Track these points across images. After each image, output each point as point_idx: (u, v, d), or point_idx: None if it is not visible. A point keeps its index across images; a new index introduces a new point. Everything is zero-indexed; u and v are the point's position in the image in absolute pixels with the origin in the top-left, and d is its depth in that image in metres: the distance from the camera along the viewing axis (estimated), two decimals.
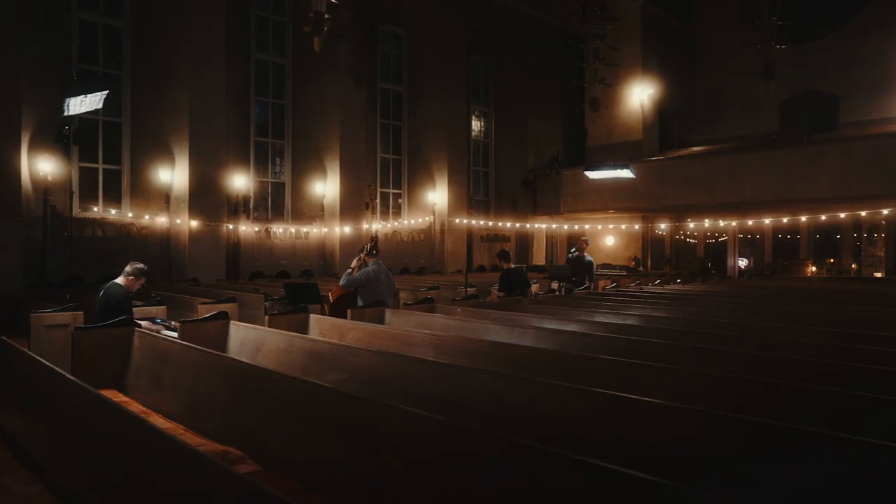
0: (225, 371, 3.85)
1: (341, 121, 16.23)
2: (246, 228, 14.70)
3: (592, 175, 11.39)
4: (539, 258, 22.45)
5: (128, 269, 6.01)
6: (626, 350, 4.36)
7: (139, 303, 6.98)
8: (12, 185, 11.17)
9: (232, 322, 5.67)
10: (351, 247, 16.36)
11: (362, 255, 7.22)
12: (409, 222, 18.86)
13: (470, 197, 20.95)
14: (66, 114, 5.92)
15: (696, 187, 17.13)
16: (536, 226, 21.82)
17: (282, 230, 15.49)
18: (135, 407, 4.29)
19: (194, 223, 13.36)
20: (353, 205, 16.54)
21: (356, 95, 16.62)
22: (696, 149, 20.47)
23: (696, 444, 2.52)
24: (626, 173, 10.77)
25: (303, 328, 6.20)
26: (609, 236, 21.26)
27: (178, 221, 13.35)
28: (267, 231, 15.19)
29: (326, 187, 16.35)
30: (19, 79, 11.32)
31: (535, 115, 22.27)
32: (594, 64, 14.55)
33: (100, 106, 5.96)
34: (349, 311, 6.65)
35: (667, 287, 11.29)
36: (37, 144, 11.87)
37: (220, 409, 3.76)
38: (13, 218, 11.18)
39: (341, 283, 7.04)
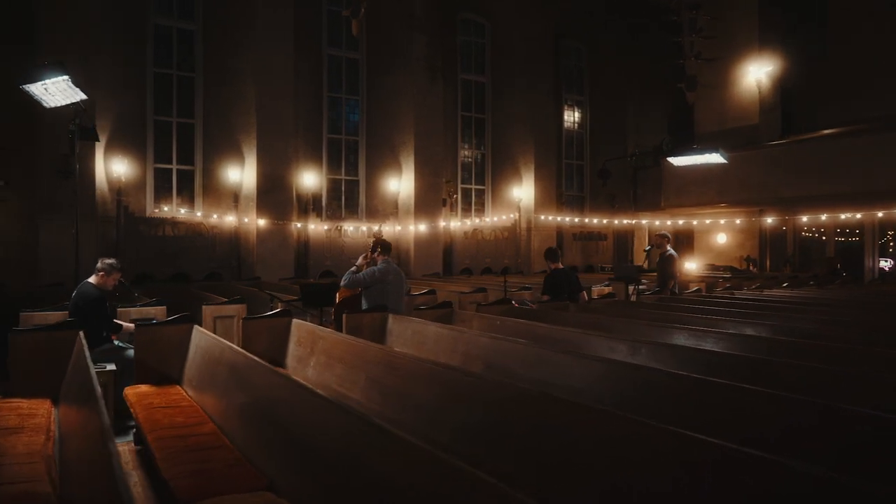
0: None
1: (416, 114, 15.59)
2: (315, 227, 14.49)
3: (677, 162, 9.82)
4: (640, 258, 20.48)
5: (98, 265, 5.66)
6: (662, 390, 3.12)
7: (121, 302, 6.68)
8: (87, 187, 11.62)
9: (196, 328, 5.08)
10: (426, 246, 15.74)
11: (370, 253, 6.42)
12: (493, 219, 17.86)
13: (561, 192, 19.56)
14: (48, 105, 5.61)
15: (823, 175, 14.56)
16: (644, 222, 19.89)
17: (352, 228, 15.13)
18: None
19: (262, 222, 13.31)
20: (428, 202, 15.85)
21: (431, 88, 15.91)
22: (827, 131, 17.58)
23: None
24: (715, 158, 9.10)
25: (282, 334, 5.51)
26: (720, 234, 18.88)
27: (246, 220, 13.36)
28: (338, 229, 14.89)
29: (401, 184, 15.79)
30: (95, 84, 11.79)
31: (635, 101, 20.37)
32: (689, 37, 12.68)
33: (81, 94, 5.59)
34: (344, 317, 5.87)
35: (767, 292, 9.42)
36: (112, 146, 12.34)
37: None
38: (88, 218, 11.63)
39: (342, 282, 6.28)
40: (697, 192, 17.11)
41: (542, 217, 17.84)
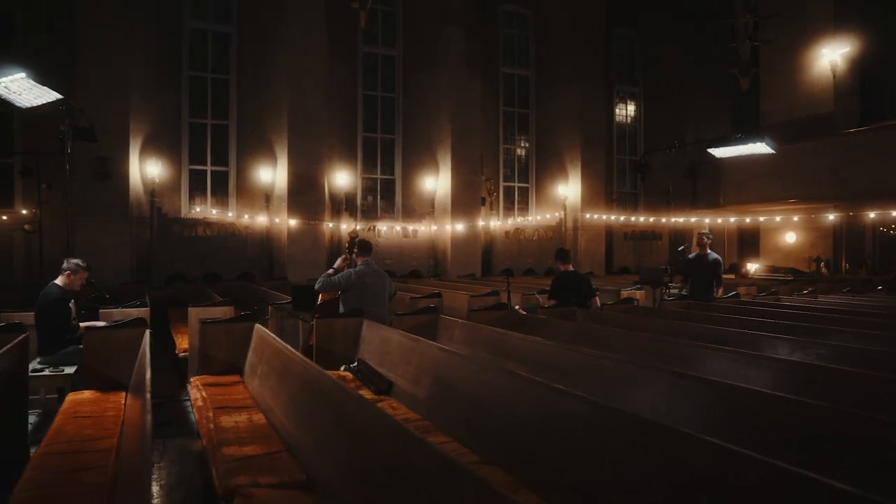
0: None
1: (453, 111, 15.14)
2: (347, 227, 14.31)
3: (718, 153, 8.87)
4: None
5: (64, 265, 5.55)
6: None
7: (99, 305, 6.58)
8: (121, 189, 11.90)
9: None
10: (463, 245, 15.26)
11: (348, 254, 6.03)
12: (536, 218, 17.14)
13: (612, 190, 18.56)
14: (22, 106, 5.56)
15: None
16: (706, 220, 18.56)
17: (386, 228, 14.84)
18: None
19: (293, 222, 13.23)
20: (466, 201, 15.35)
21: (469, 83, 15.40)
22: None
23: None
24: (760, 148, 8.11)
25: (242, 340, 5.21)
26: (788, 232, 17.33)
27: (277, 220, 13.33)
28: (371, 229, 14.65)
29: (438, 182, 15.38)
30: (131, 89, 12.08)
31: (694, 92, 19.04)
32: (743, 18, 11.52)
33: (53, 94, 5.50)
34: (314, 322, 5.51)
35: (822, 298, 8.35)
36: (148, 148, 12.59)
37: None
38: (122, 219, 11.92)
39: (316, 285, 5.91)
40: (760, 186, 15.78)
41: (589, 216, 16.94)
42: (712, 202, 17.45)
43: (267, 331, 4.90)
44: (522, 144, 17.52)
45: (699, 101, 19.07)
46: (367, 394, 4.60)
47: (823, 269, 15.36)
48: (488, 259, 16.15)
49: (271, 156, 13.56)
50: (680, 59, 18.76)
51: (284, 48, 13.25)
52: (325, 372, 3.41)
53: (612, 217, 17.56)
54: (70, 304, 5.50)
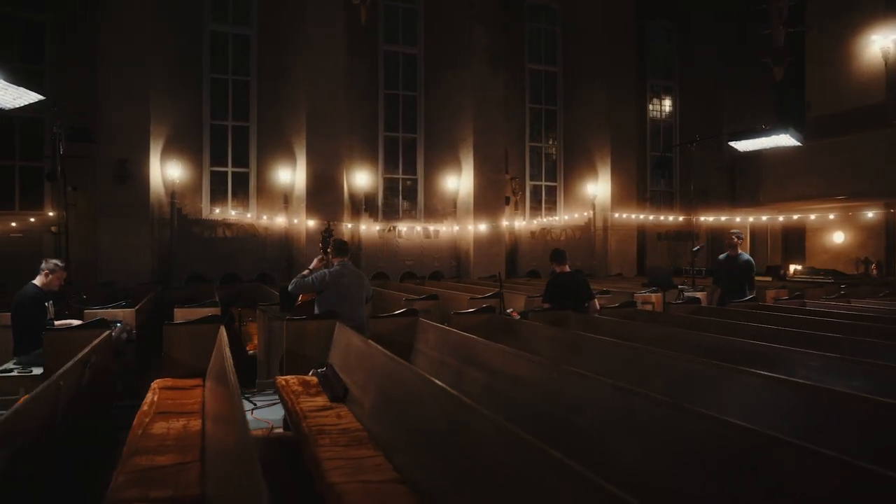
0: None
1: (476, 109, 14.84)
2: (367, 227, 14.19)
3: (741, 146, 8.27)
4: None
5: (42, 265, 5.54)
6: None
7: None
8: (142, 191, 12.11)
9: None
10: (487, 246, 14.94)
11: (323, 254, 5.83)
12: (563, 218, 16.64)
13: (646, 188, 17.87)
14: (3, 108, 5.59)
15: None
16: (747, 220, 17.67)
17: (406, 228, 14.65)
18: None
19: (311, 223, 13.20)
20: (489, 200, 15.01)
21: (493, 80, 15.06)
22: None
23: None
24: (785, 140, 7.49)
25: (207, 343, 5.07)
26: (836, 232, 16.25)
27: (296, 221, 13.33)
28: (391, 230, 14.49)
29: (460, 182, 15.09)
30: (152, 91, 12.28)
31: (733, 84, 18.14)
32: (777, 2, 10.78)
33: (33, 95, 5.51)
34: (285, 325, 5.34)
35: (856, 303, 7.68)
36: (169, 150, 12.78)
37: None
38: (142, 220, 12.12)
39: (289, 287, 5.74)
40: (803, 183, 14.85)
41: (618, 215, 16.33)
42: (752, 200, 16.56)
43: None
44: (550, 142, 17.04)
45: (739, 95, 18.15)
46: (323, 400, 4.39)
47: (874, 271, 14.32)
48: (513, 260, 15.77)
49: (291, 156, 13.57)
50: (719, 50, 17.92)
51: (303, 49, 13.25)
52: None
53: (643, 216, 16.87)
54: (47, 304, 5.49)
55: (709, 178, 18.28)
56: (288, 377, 4.92)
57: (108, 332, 4.75)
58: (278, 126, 13.61)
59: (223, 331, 5.04)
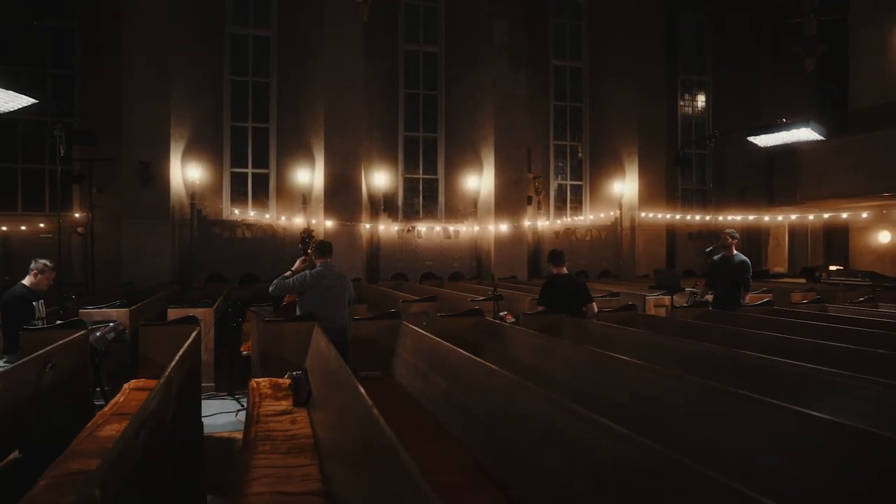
0: None
1: (497, 107, 14.59)
2: (386, 228, 14.12)
3: (760, 141, 7.82)
4: (777, 261, 17.46)
5: (31, 265, 5.61)
6: None
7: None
8: (162, 193, 12.33)
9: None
10: (508, 246, 14.68)
11: (305, 256, 5.74)
12: (589, 218, 16.22)
13: (677, 186, 17.25)
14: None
15: None
16: (787, 219, 16.89)
17: (425, 228, 14.51)
18: None
19: (329, 223, 13.21)
20: (510, 200, 14.74)
21: (514, 78, 14.79)
22: None
23: None
24: (806, 134, 7.02)
25: (182, 342, 5.02)
26: (881, 232, 15.33)
27: (314, 221, 13.35)
28: (411, 230, 14.38)
29: (481, 182, 14.88)
30: (174, 94, 12.50)
31: (771, 77, 17.36)
32: None
33: (26, 99, 5.59)
34: (263, 327, 5.26)
35: (884, 307, 7.16)
36: (190, 152, 12.98)
37: None
38: (163, 221, 12.34)
39: (270, 288, 5.66)
40: (844, 179, 14.06)
41: (645, 214, 15.82)
42: (790, 198, 15.80)
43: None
44: (575, 140, 16.64)
45: (775, 88, 17.35)
46: (288, 404, 4.28)
47: None
48: (536, 260, 15.44)
49: (310, 157, 13.61)
50: (757, 44, 17.18)
51: (321, 49, 13.26)
52: None
53: (671, 216, 16.29)
54: (35, 304, 5.56)
55: (746, 176, 17.56)
56: (261, 379, 4.83)
57: (82, 332, 4.75)
58: (297, 127, 13.67)
59: (198, 332, 4.99)
